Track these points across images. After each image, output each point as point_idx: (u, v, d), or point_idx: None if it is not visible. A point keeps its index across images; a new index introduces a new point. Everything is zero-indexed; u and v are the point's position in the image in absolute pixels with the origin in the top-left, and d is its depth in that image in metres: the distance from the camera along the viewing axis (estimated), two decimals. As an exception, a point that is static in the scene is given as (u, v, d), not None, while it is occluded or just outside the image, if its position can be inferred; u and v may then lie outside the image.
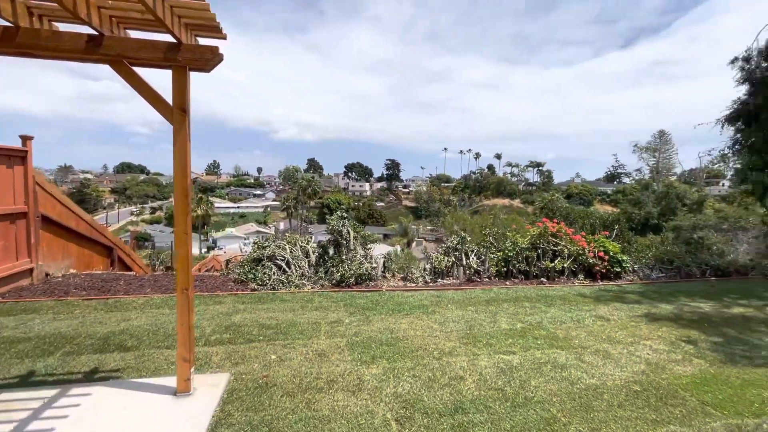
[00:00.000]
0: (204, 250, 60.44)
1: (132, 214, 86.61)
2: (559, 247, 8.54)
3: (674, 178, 78.85)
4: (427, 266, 8.33)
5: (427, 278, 7.94)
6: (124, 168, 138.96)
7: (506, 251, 8.28)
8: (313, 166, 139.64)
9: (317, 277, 7.47)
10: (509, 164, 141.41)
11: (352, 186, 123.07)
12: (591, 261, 8.34)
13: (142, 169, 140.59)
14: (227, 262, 8.21)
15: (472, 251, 8.56)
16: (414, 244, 66.09)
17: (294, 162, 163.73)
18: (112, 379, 3.40)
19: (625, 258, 8.51)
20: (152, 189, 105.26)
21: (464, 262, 8.26)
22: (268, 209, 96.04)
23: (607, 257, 8.36)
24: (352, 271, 7.17)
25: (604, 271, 8.32)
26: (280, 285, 6.79)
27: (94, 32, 2.67)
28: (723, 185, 79.27)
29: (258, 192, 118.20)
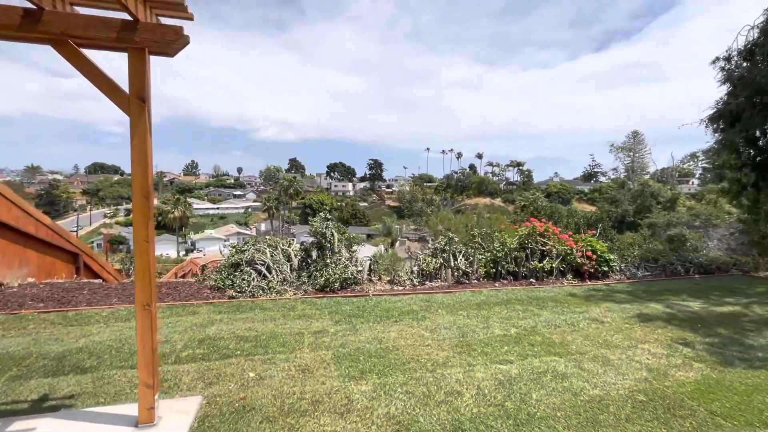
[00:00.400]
0: (182, 252, 58.64)
1: (105, 216, 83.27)
2: (547, 247, 8.43)
3: (648, 177, 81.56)
4: (414, 268, 8.07)
5: (415, 281, 7.67)
6: (97, 168, 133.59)
7: (495, 252, 8.10)
8: (295, 166, 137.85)
9: (300, 282, 7.10)
10: (490, 164, 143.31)
11: (335, 186, 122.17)
12: (579, 261, 8.27)
13: (116, 170, 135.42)
14: (203, 267, 7.73)
15: (460, 252, 8.36)
16: (398, 244, 66.06)
17: (275, 162, 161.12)
18: (64, 408, 2.97)
19: (612, 257, 8.48)
20: (126, 190, 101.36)
21: (452, 264, 8.04)
22: (249, 210, 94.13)
23: (594, 257, 8.30)
24: (336, 276, 6.83)
25: (592, 270, 8.26)
26: (261, 292, 6.38)
27: (32, 6, 2.27)
28: (692, 183, 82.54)
29: (238, 193, 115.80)
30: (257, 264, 7.02)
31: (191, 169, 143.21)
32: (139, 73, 2.43)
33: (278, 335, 4.51)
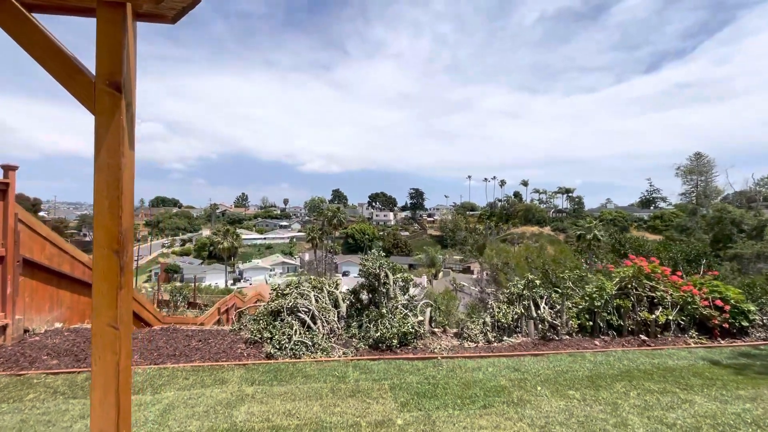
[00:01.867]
0: (230, 282, 60.12)
1: (163, 246, 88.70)
2: (657, 293, 6.61)
3: (721, 201, 73.05)
4: (487, 318, 6.56)
5: (490, 335, 6.16)
6: (159, 202, 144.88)
7: (591, 299, 6.42)
8: (338, 196, 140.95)
9: (349, 334, 5.88)
10: (536, 191, 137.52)
11: (377, 215, 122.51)
12: (705, 312, 6.35)
13: (175, 203, 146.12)
14: (239, 314, 6.76)
15: (542, 298, 6.77)
16: (441, 275, 63.46)
17: (319, 193, 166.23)
18: None
19: (751, 308, 6.44)
20: (183, 222, 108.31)
21: (534, 314, 6.46)
22: (294, 240, 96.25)
23: (727, 306, 6.34)
24: (394, 329, 5.53)
25: (725, 325, 6.28)
26: (303, 349, 5.22)
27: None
28: (778, 209, 72.65)
29: (284, 223, 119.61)
30: (300, 312, 5.92)
31: (241, 201, 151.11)
32: (113, 44, 1.45)
33: (326, 428, 3.26)
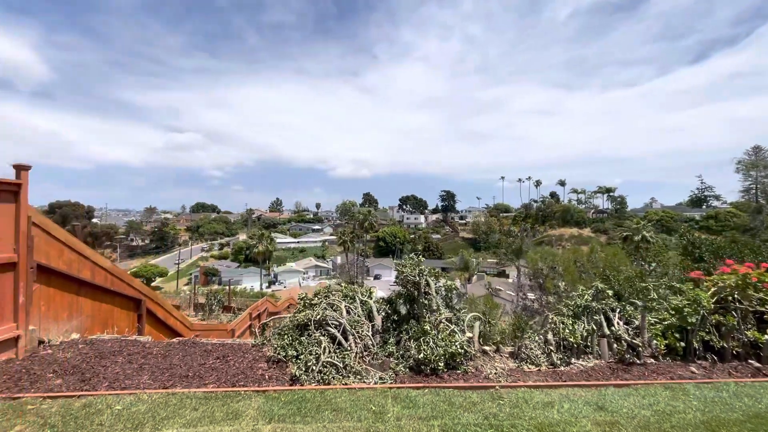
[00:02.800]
0: (265, 284, 61.25)
1: (203, 250, 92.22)
2: (768, 307, 5.29)
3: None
4: (549, 336, 5.51)
5: (555, 357, 5.12)
6: (199, 208, 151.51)
7: (681, 314, 5.21)
8: (369, 200, 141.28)
9: (386, 352, 5.04)
10: (574, 191, 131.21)
11: (407, 218, 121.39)
12: (837, 332, 4.97)
13: (213, 208, 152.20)
14: (263, 326, 6.10)
15: (613, 310, 5.64)
16: (475, 278, 61.39)
17: (350, 197, 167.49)
18: None
19: None
20: (221, 227, 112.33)
21: (607, 331, 5.35)
22: (326, 243, 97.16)
23: None
24: (440, 349, 4.64)
25: None
26: (333, 372, 4.44)
27: None
28: None
29: (317, 227, 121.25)
30: (330, 326, 5.16)
31: (276, 206, 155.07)
32: None
33: (361, 494, 2.43)
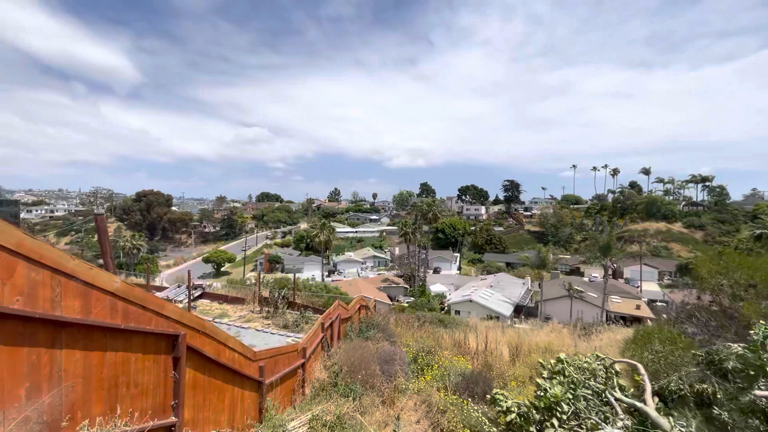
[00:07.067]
0: (326, 274, 61.77)
1: (267, 237, 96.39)
2: None
3: None
4: None
5: None
6: (264, 197, 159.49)
7: None
8: (426, 190, 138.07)
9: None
10: (660, 180, 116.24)
11: (467, 210, 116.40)
12: None
13: (277, 198, 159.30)
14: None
15: None
16: (547, 275, 56.15)
17: (406, 187, 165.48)
18: None
19: None
20: (284, 215, 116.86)
21: None
22: (384, 234, 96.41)
23: None
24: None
25: None
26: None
27: None
28: None
29: (374, 217, 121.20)
30: None
31: (334, 196, 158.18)
32: None
33: None
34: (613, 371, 3.41)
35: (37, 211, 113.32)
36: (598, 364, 3.45)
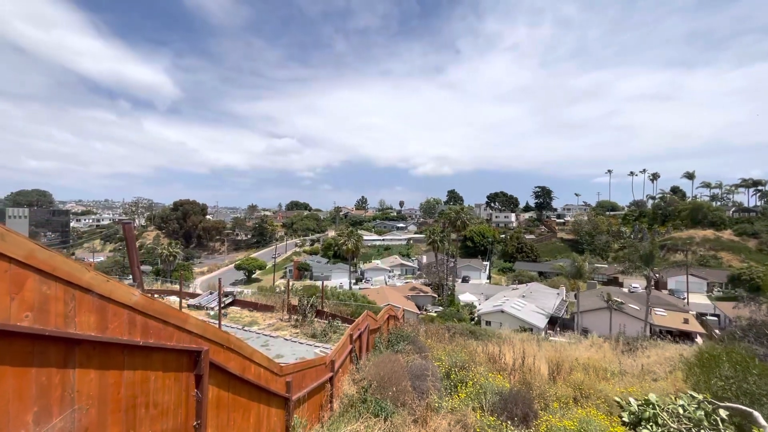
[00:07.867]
0: (353, 281, 61.82)
1: (296, 245, 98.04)
2: None
3: None
4: None
5: None
6: (293, 206, 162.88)
7: None
8: (453, 197, 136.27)
9: None
10: (706, 185, 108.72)
11: (496, 217, 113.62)
12: None
13: (305, 206, 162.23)
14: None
15: None
16: (583, 285, 53.42)
17: (432, 195, 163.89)
18: None
19: None
20: (312, 223, 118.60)
21: None
22: (411, 242, 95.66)
23: None
24: None
25: None
26: None
27: None
28: None
29: (401, 225, 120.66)
30: None
31: (361, 204, 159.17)
32: None
33: None
34: (718, 418, 2.77)
35: (85, 220, 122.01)
36: (694, 408, 2.86)
